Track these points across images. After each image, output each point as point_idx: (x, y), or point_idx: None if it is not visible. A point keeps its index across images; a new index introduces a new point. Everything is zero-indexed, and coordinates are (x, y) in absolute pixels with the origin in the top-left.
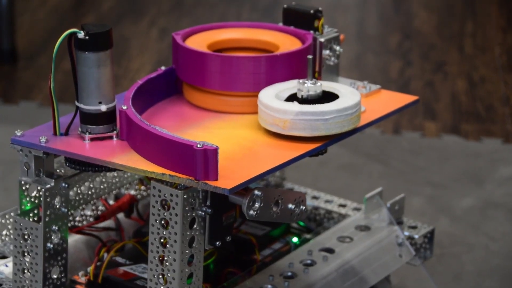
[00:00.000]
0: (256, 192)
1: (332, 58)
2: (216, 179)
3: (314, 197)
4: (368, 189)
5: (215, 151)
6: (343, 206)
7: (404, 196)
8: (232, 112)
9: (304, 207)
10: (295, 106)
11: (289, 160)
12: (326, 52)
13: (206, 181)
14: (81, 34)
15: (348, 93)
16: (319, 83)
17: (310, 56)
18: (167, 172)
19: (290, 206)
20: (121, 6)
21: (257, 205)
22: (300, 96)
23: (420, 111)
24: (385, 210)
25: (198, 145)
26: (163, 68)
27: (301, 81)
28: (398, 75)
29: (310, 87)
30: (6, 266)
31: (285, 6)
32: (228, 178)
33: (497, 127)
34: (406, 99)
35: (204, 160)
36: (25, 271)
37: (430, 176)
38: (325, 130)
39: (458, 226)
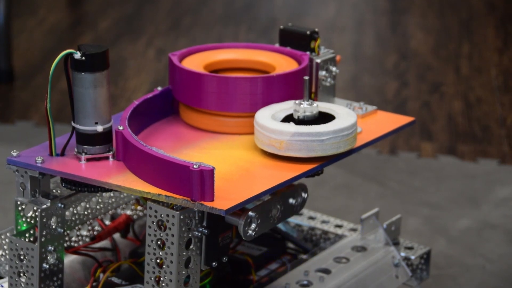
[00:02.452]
0: (250, 213)
1: (329, 79)
2: (213, 200)
3: (311, 218)
4: (365, 209)
5: (211, 172)
6: (340, 226)
7: (401, 216)
8: (228, 132)
9: (306, 194)
10: (291, 127)
11: (286, 180)
12: (323, 73)
13: (203, 202)
14: (77, 55)
15: (345, 114)
16: (315, 104)
17: (306, 77)
18: (163, 192)
19: (291, 201)
20: (118, 26)
21: (253, 225)
22: (296, 117)
23: (417, 131)
24: (382, 231)
25: (195, 166)
26: (159, 88)
27: (297, 102)
28: (394, 96)
29: (306, 108)
30: (2, 286)
31: (281, 27)
32: (224, 199)
33: (494, 148)
34: (402, 120)
35: (200, 180)
36: None
37: (427, 196)
38: (321, 151)
39: (454, 247)
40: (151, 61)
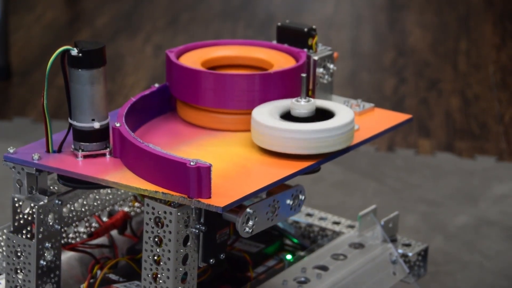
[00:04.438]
0: (248, 210)
1: (326, 76)
2: (209, 197)
3: (308, 215)
4: (362, 206)
5: (208, 169)
6: (337, 223)
7: (398, 213)
8: (226, 129)
9: (303, 196)
10: (288, 124)
11: (283, 178)
12: (320, 70)
13: (199, 199)
14: (74, 52)
15: (342, 111)
16: (312, 101)
17: (303, 74)
18: (160, 189)
19: (288, 202)
20: (116, 22)
21: (251, 222)
22: (293, 114)
23: (414, 128)
24: (379, 228)
25: (192, 163)
26: (156, 85)
27: (294, 99)
28: (392, 93)
29: (303, 105)
30: None
31: (279, 24)
32: (221, 196)
33: (491, 145)
34: (399, 117)
35: (197, 178)
36: None
37: (424, 193)
38: (318, 149)
39: (452, 244)
40: (149, 57)
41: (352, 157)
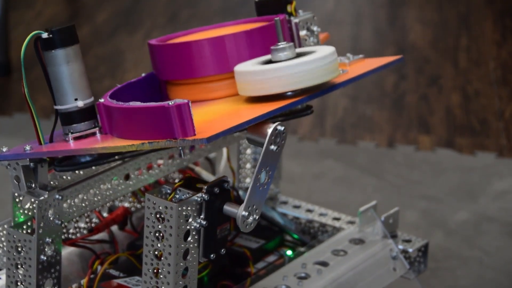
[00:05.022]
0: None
1: (311, 38)
2: (194, 134)
3: (309, 210)
4: (363, 202)
5: (187, 105)
6: (337, 219)
7: (398, 209)
8: (216, 97)
9: (282, 128)
10: (271, 65)
11: (268, 112)
12: (303, 32)
13: (185, 138)
14: (45, 35)
15: (323, 48)
16: (291, 43)
17: (276, 18)
18: (146, 141)
19: (272, 147)
20: (116, 19)
21: (251, 218)
22: (274, 60)
23: (415, 124)
24: (379, 224)
25: (170, 103)
26: (143, 74)
27: (274, 46)
28: (393, 89)
29: (283, 47)
30: (0, 278)
31: None
32: (205, 133)
33: (491, 141)
34: (389, 59)
35: (178, 116)
36: (19, 283)
37: (425, 189)
38: (302, 82)
39: (452, 240)
40: (148, 54)
41: (352, 153)
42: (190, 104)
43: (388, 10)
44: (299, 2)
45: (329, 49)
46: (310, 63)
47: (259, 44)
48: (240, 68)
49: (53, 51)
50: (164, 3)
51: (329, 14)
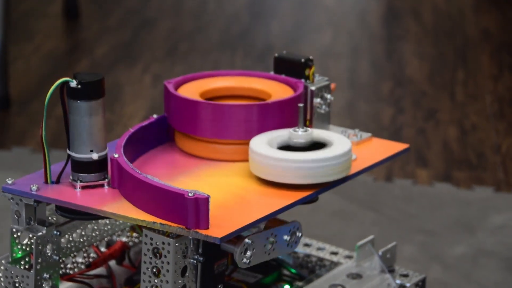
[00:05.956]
0: (247, 240)
1: (323, 106)
2: (207, 228)
3: (306, 245)
4: (360, 236)
5: (206, 200)
6: (335, 253)
7: (396, 244)
8: (224, 159)
9: (300, 234)
10: (286, 154)
11: (281, 208)
12: (317, 100)
13: (197, 230)
14: (73, 83)
15: (339, 141)
16: (310, 131)
17: (301, 104)
18: (158, 220)
19: (285, 237)
20: (115, 52)
21: (249, 253)
22: (291, 144)
23: (412, 158)
24: (377, 258)
25: (190, 194)
26: (155, 116)
27: (292, 129)
28: (390, 123)
29: (301, 135)
30: None
31: (276, 55)
32: (219, 227)
33: (489, 175)
34: (397, 147)
35: (195, 209)
36: None
37: (422, 223)
38: (316, 178)
39: (450, 274)
40: (147, 87)
41: (350, 186)
42: (209, 199)
43: (386, 44)
44: (296, 35)
45: (346, 146)
46: (327, 160)
47: (278, 117)
48: (256, 147)
49: (78, 101)
50: (162, 36)
51: (327, 47)
